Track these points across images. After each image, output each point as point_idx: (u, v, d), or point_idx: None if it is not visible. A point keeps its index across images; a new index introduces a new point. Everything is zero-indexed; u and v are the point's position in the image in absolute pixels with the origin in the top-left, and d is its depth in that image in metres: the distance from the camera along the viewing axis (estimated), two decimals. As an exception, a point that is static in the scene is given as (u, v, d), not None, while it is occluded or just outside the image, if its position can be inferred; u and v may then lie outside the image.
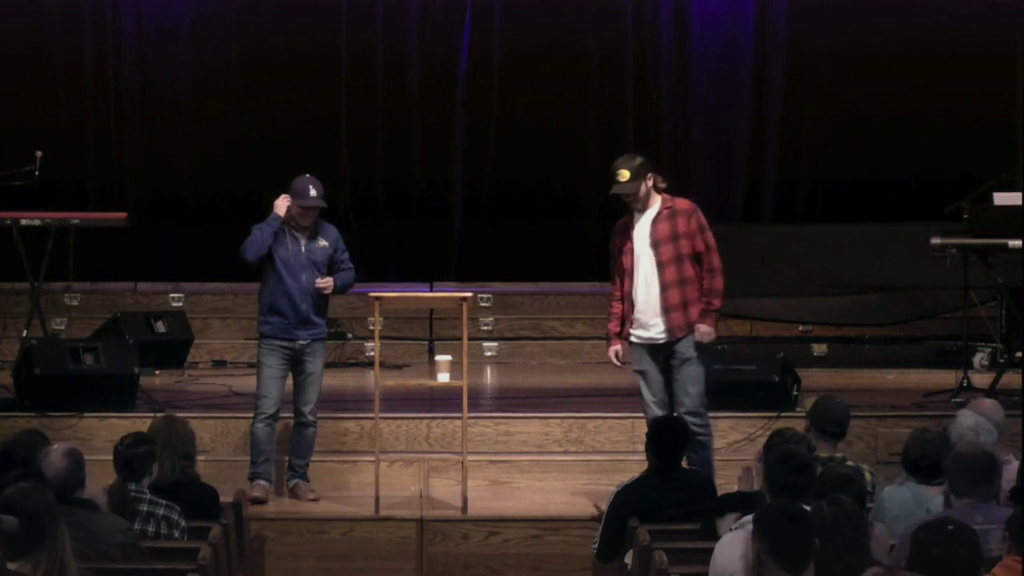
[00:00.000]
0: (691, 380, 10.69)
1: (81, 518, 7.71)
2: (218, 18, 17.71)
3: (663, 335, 10.74)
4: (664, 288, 10.71)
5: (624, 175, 10.75)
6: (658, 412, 10.59)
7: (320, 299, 11.33)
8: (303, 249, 11.31)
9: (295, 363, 11.33)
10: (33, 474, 7.90)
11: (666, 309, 10.70)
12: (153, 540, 8.57)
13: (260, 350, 11.48)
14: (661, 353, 10.77)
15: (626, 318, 10.95)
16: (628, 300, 10.90)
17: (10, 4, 17.25)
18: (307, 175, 11.38)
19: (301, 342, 11.29)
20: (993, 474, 7.65)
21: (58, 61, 17.52)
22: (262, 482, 11.24)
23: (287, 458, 11.45)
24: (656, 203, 10.84)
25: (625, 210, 10.98)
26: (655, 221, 10.78)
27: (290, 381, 11.43)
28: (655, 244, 10.75)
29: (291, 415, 11.42)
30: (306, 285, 11.25)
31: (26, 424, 10.85)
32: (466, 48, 17.90)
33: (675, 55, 17.85)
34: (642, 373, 10.83)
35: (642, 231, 10.83)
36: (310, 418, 11.35)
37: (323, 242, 11.38)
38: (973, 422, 9.00)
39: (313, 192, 11.26)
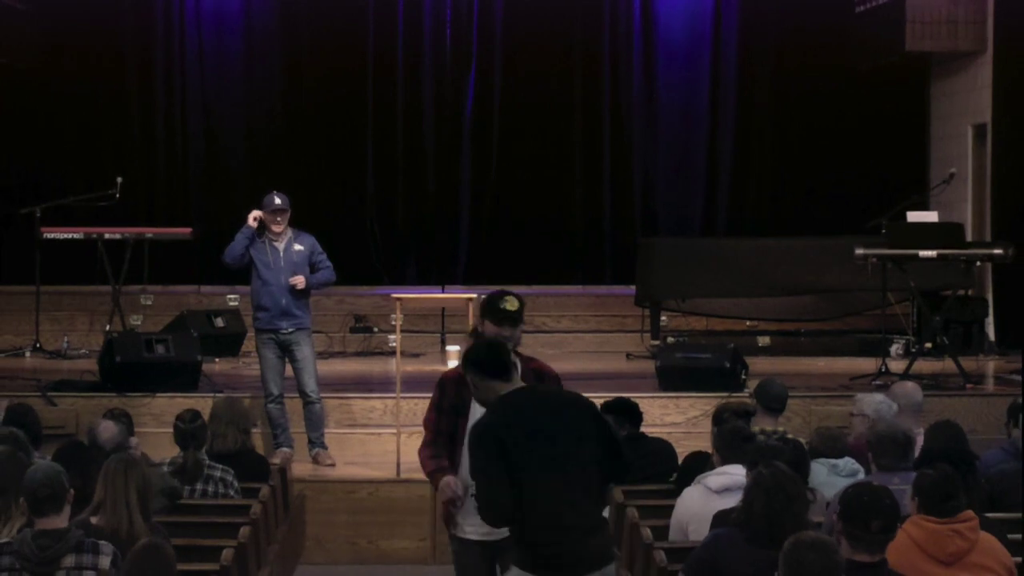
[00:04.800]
0: None
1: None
2: (264, 68, 17.80)
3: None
4: None
5: (514, 303, 7.10)
6: None
7: (298, 294, 11.30)
8: (281, 254, 11.32)
9: (286, 351, 11.30)
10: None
11: None
12: (212, 498, 8.62)
13: (256, 342, 11.54)
14: (494, 553, 6.93)
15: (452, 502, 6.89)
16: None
17: (89, 50, 17.35)
18: (273, 191, 11.42)
19: (284, 331, 11.26)
20: (908, 447, 7.66)
21: (134, 106, 17.63)
22: (284, 449, 11.27)
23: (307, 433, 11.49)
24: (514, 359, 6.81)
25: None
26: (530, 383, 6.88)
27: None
28: None
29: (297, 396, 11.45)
30: (284, 284, 11.24)
31: (109, 403, 10.84)
32: (472, 90, 17.94)
33: (645, 95, 17.91)
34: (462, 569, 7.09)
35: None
36: (313, 396, 11.34)
37: (298, 247, 11.36)
38: (881, 398, 9.08)
39: (278, 201, 11.28)
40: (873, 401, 9.00)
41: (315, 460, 11.38)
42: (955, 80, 16.55)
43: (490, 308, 7.17)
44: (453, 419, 7.01)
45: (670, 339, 14.55)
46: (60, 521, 6.28)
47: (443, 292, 16.04)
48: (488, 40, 17.85)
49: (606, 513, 8.66)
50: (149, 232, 14.96)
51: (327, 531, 10.81)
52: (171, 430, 8.99)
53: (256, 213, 11.33)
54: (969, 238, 14.77)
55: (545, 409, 6.33)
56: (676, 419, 11.94)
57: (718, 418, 8.51)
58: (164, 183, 17.68)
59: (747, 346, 14.15)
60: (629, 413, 9.40)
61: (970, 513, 6.40)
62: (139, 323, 15.15)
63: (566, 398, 6.55)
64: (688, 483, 7.71)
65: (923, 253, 12.98)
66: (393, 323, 13.00)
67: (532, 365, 7.14)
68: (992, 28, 15.58)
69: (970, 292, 14.91)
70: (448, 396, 7.08)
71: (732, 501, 7.13)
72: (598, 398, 11.78)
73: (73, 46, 17.19)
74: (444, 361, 12.06)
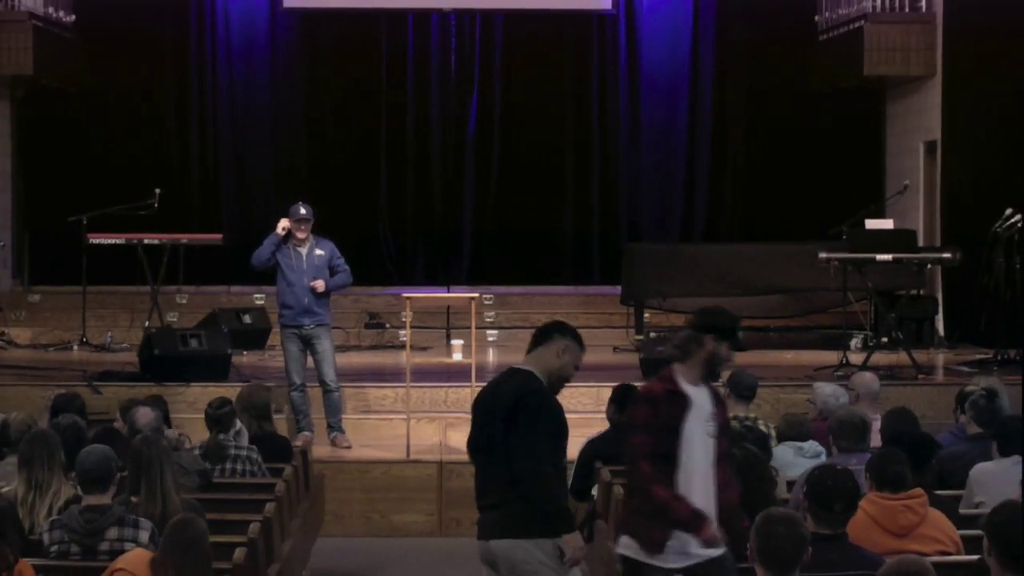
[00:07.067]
0: None
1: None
2: (288, 92, 17.83)
3: (714, 552, 5.97)
4: (719, 491, 6.04)
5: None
6: None
7: (319, 294, 11.29)
8: (304, 258, 11.32)
9: (307, 344, 11.29)
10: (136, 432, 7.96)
11: (723, 519, 6.02)
12: (240, 477, 8.60)
13: (281, 336, 11.53)
14: None
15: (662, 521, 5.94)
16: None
17: (130, 74, 17.35)
18: (299, 202, 11.40)
19: (306, 327, 11.26)
20: (865, 431, 7.66)
21: (171, 125, 17.67)
22: (306, 433, 11.25)
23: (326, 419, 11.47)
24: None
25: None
26: (717, 402, 6.11)
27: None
28: (719, 433, 6.04)
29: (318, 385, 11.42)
30: (307, 285, 11.25)
31: (148, 391, 10.82)
32: (474, 111, 17.96)
33: (629, 115, 17.96)
34: None
35: (700, 411, 6.01)
36: (332, 385, 11.33)
37: (319, 252, 11.37)
38: (831, 390, 9.06)
39: (303, 211, 11.26)
40: (823, 393, 8.98)
41: (333, 443, 11.38)
42: (908, 101, 16.57)
43: (728, 330, 6.12)
44: (669, 439, 5.93)
45: (652, 334, 14.48)
46: (105, 498, 6.31)
47: (448, 292, 16.01)
48: (489, 66, 17.92)
49: (594, 492, 8.74)
50: (184, 238, 14.95)
51: (344, 507, 10.79)
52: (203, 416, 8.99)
53: (284, 223, 11.33)
54: (921, 243, 14.79)
55: (494, 393, 6.41)
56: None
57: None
58: (198, 194, 17.71)
59: (721, 340, 14.11)
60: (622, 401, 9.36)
61: (920, 491, 6.39)
62: (175, 320, 15.15)
63: (513, 392, 6.23)
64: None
65: (880, 257, 12.99)
66: (403, 320, 12.94)
67: (710, 385, 6.22)
68: (941, 55, 15.62)
69: (921, 292, 14.93)
70: (662, 413, 5.95)
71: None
72: (589, 388, 11.91)
73: (116, 71, 17.23)
74: (449, 353, 12.00)
